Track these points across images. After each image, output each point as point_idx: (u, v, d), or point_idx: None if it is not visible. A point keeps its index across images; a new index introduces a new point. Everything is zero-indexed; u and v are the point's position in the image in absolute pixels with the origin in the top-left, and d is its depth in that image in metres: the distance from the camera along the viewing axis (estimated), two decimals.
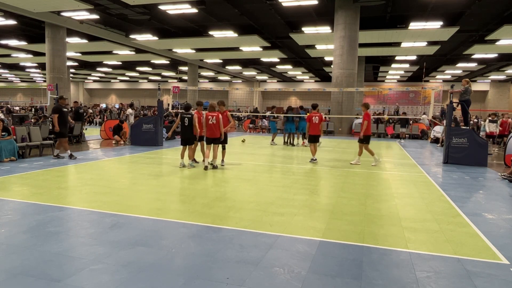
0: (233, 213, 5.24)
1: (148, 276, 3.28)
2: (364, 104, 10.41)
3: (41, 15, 17.78)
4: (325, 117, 20.06)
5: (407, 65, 31.88)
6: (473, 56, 26.37)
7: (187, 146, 9.36)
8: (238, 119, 33.11)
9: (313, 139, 10.74)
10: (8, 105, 33.88)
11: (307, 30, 19.63)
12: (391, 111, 34.23)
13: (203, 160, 9.17)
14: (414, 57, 27.73)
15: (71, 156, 10.07)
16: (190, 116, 9.13)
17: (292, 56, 29.02)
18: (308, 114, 11.51)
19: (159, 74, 45.04)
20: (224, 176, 8.12)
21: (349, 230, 4.64)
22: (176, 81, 48.67)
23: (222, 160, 9.51)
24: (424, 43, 22.22)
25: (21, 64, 36.03)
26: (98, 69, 39.41)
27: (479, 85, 41.49)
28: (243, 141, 16.74)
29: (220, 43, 23.71)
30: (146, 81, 53.50)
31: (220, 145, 9.32)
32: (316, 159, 10.54)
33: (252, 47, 24.91)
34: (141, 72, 42.35)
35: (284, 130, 15.99)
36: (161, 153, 12.04)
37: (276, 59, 30.44)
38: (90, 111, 31.75)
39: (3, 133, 9.61)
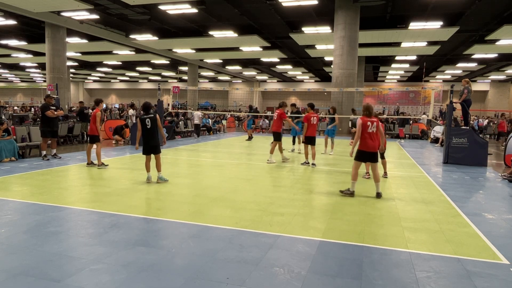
0: (233, 213, 5.24)
1: (148, 276, 3.28)
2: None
3: (41, 15, 17.78)
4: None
5: (407, 65, 31.86)
6: (473, 56, 26.35)
7: (151, 155, 7.51)
8: (238, 119, 33.15)
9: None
10: (7, 105, 33.49)
11: (307, 30, 19.62)
12: (391, 111, 34.23)
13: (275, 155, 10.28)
14: (414, 57, 27.71)
15: (43, 157, 9.79)
16: (152, 116, 7.36)
17: (292, 56, 29.00)
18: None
19: (159, 74, 45.03)
20: (224, 176, 8.12)
21: (349, 230, 4.64)
22: (176, 81, 48.67)
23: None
24: (424, 43, 22.21)
25: (21, 64, 36.02)
26: (98, 69, 39.40)
27: (479, 85, 41.47)
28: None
29: (220, 43, 23.70)
30: (146, 81, 53.51)
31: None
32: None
33: (252, 47, 24.90)
34: (141, 72, 42.35)
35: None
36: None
37: (276, 59, 30.42)
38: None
39: (3, 133, 9.61)
